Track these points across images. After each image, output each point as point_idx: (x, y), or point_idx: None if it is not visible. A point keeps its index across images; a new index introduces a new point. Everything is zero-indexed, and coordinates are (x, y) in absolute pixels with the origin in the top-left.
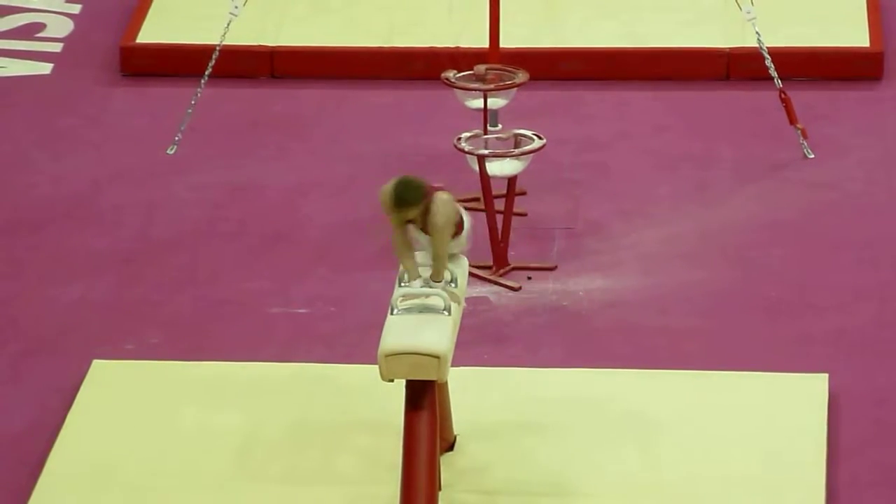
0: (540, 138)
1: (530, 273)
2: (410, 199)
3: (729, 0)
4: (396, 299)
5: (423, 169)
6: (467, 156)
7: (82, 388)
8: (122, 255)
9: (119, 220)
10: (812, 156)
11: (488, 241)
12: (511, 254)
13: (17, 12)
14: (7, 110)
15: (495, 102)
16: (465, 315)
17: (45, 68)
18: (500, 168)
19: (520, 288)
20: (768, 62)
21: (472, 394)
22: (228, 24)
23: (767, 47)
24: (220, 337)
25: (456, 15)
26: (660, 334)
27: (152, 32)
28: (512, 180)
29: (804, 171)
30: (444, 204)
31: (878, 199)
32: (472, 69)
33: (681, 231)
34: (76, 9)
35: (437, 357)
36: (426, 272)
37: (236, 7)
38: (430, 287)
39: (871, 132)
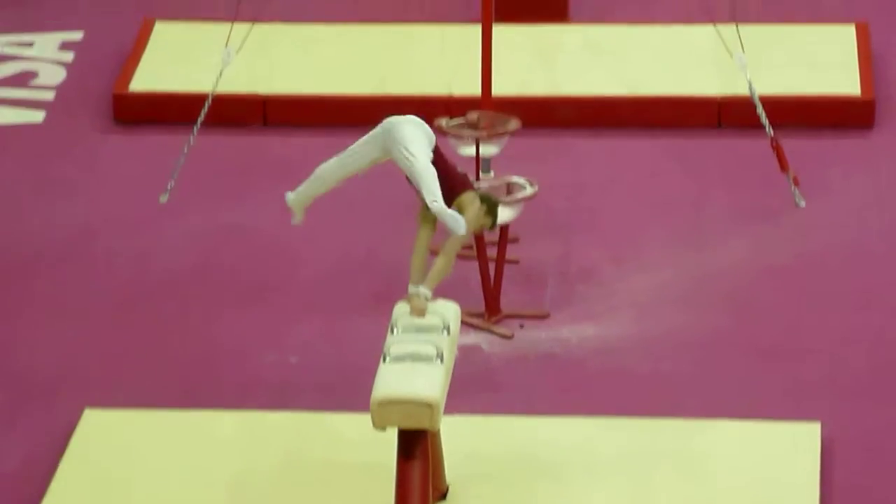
0: (532, 185)
1: (523, 321)
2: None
3: (720, 48)
4: (389, 347)
5: (414, 216)
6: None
7: (74, 435)
8: (114, 302)
9: (112, 266)
10: (803, 204)
11: (480, 289)
12: (503, 301)
13: (10, 60)
14: (0, 158)
15: (488, 149)
16: (458, 363)
17: (38, 116)
18: None
19: (512, 336)
20: (760, 110)
21: (464, 442)
22: (221, 72)
23: (759, 95)
24: (212, 383)
25: (449, 58)
26: (652, 381)
27: (145, 80)
28: (504, 227)
29: (796, 217)
30: (476, 214)
31: (869, 246)
32: (464, 116)
33: (673, 277)
34: (69, 57)
35: (430, 405)
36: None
37: (229, 54)
38: (420, 290)
39: (862, 180)
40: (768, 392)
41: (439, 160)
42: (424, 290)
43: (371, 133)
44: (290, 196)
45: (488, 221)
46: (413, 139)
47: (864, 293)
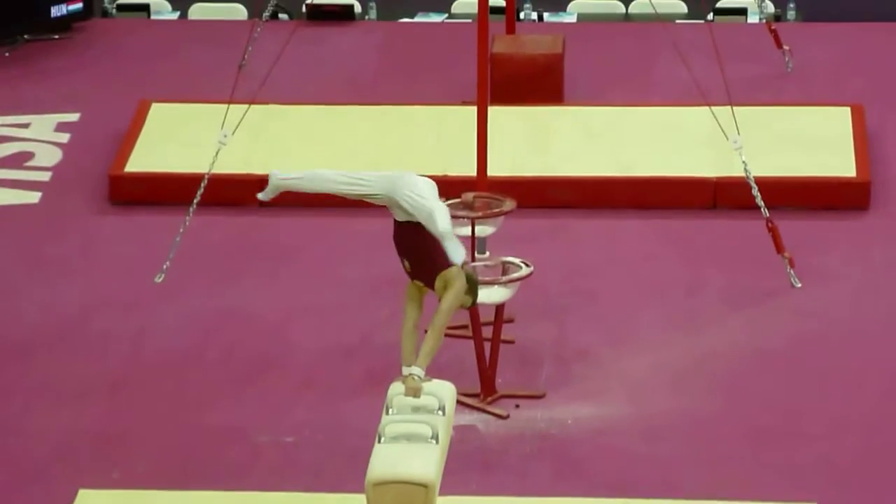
0: (527, 266)
1: (518, 401)
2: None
3: (716, 129)
4: (384, 427)
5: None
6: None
7: None
8: (109, 383)
9: (107, 347)
10: (799, 285)
11: (476, 369)
12: (499, 381)
13: (6, 141)
14: None
15: (483, 230)
16: (453, 443)
17: (34, 197)
18: (487, 295)
19: (508, 416)
20: (755, 191)
21: None
22: (217, 153)
23: (754, 176)
24: (207, 465)
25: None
26: (647, 462)
27: (141, 161)
28: (500, 307)
29: (791, 299)
30: (460, 290)
31: (865, 328)
32: (459, 197)
33: (668, 358)
34: (65, 138)
35: (425, 486)
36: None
37: (225, 136)
38: (413, 370)
39: (857, 261)
40: (764, 474)
41: (429, 235)
42: (417, 370)
43: (384, 173)
44: (276, 178)
45: (468, 300)
46: (424, 188)
47: (860, 376)
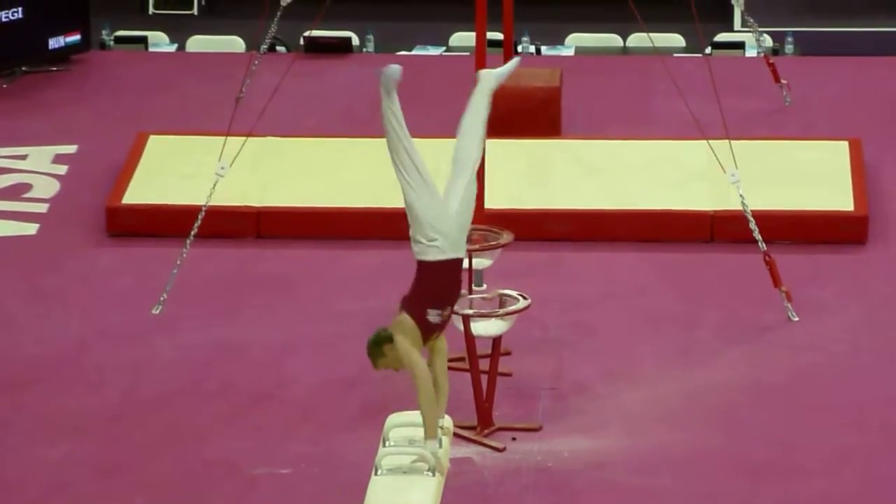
0: (525, 298)
1: (515, 433)
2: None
3: (713, 163)
4: (381, 459)
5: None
6: (452, 316)
7: None
8: (106, 415)
9: (104, 379)
10: (796, 318)
11: (473, 401)
12: (496, 414)
13: (4, 173)
14: None
15: (480, 262)
16: (450, 476)
17: (31, 228)
18: (484, 328)
19: (504, 448)
20: (752, 225)
21: None
22: (215, 185)
23: (751, 210)
24: (203, 497)
25: (443, 173)
26: (644, 495)
27: (138, 193)
28: (497, 340)
29: (789, 333)
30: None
31: (862, 362)
32: None
33: (665, 392)
34: (62, 170)
35: None
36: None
37: (222, 168)
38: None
39: (855, 295)
40: None
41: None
42: (433, 447)
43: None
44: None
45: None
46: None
47: (858, 411)
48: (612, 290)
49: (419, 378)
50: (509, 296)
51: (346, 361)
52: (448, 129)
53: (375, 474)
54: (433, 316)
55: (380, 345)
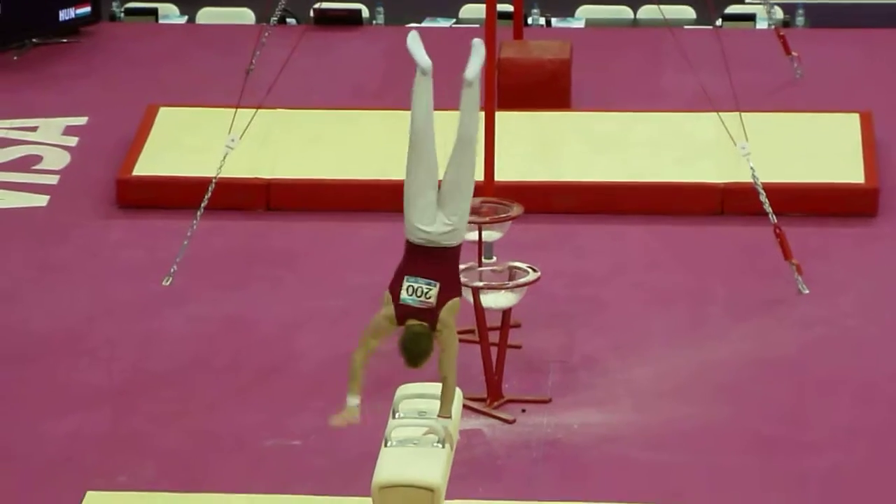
0: (534, 271)
1: (525, 406)
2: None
3: (723, 135)
4: (390, 431)
5: None
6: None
7: None
8: (116, 388)
9: (113, 352)
10: (807, 291)
11: (482, 374)
12: (505, 386)
13: (14, 145)
14: (2, 242)
15: (490, 235)
16: (459, 448)
17: (42, 200)
18: (494, 300)
19: (514, 421)
20: (763, 198)
21: None
22: (225, 157)
23: (762, 183)
24: (213, 469)
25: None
26: (653, 469)
27: (148, 165)
28: (506, 313)
29: (799, 307)
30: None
31: (873, 336)
32: None
33: (675, 367)
34: (73, 142)
35: (431, 490)
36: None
37: (232, 140)
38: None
39: (866, 268)
40: (769, 483)
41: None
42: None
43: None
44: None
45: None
46: None
47: (868, 384)
48: (622, 263)
49: (454, 355)
50: (519, 268)
51: (356, 334)
52: (457, 100)
53: (385, 446)
54: (406, 290)
55: (427, 340)
